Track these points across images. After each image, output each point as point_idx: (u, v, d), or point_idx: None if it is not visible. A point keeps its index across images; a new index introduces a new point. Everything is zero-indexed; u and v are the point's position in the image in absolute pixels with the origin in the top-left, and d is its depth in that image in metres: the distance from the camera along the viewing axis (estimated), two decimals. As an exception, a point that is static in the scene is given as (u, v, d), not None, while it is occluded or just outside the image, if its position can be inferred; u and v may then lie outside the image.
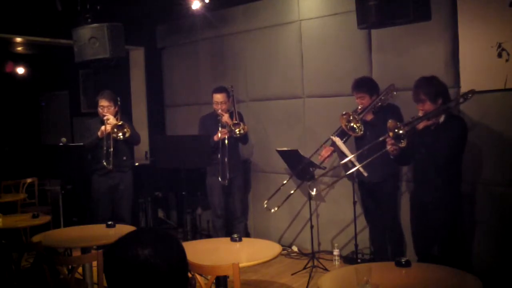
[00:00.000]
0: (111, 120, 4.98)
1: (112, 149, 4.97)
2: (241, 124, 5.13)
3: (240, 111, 5.45)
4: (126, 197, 5.20)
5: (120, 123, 4.97)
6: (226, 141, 5.19)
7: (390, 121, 3.58)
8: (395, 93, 4.37)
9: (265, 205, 5.09)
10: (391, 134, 3.54)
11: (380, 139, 3.82)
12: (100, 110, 5.07)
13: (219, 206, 5.39)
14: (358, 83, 4.45)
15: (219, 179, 5.22)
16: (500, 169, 4.09)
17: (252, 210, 6.09)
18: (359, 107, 4.42)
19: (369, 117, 4.39)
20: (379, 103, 4.36)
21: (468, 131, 3.68)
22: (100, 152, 5.03)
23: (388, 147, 3.68)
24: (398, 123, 3.54)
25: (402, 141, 3.49)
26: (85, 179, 5.35)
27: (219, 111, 5.22)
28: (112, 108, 5.08)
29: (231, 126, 5.12)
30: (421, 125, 3.65)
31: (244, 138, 5.28)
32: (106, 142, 4.99)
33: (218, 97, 5.26)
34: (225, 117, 5.18)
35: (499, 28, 3.95)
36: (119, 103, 5.15)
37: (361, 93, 4.41)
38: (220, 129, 5.19)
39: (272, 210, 5.02)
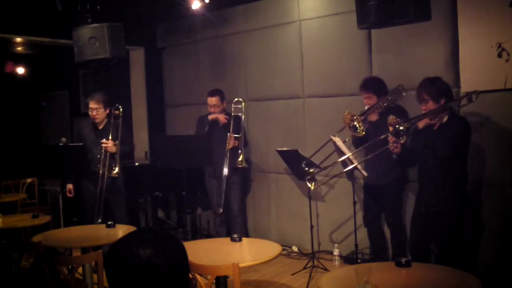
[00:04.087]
0: (110, 148, 4.85)
1: (101, 157, 4.88)
2: (243, 159, 5.11)
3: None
4: (118, 201, 5.07)
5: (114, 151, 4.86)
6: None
7: (391, 116, 3.58)
8: (404, 94, 4.25)
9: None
10: (391, 129, 3.55)
11: (382, 137, 3.81)
12: (89, 112, 4.96)
13: (216, 204, 5.44)
14: (365, 83, 4.39)
15: (214, 179, 5.39)
16: (500, 169, 4.09)
17: (252, 210, 6.08)
18: (366, 108, 4.35)
19: (374, 117, 4.32)
20: (385, 104, 4.27)
21: (471, 130, 3.67)
22: (92, 158, 4.94)
23: (390, 144, 3.68)
24: (398, 119, 3.54)
25: (401, 137, 3.51)
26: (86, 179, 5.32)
27: (212, 114, 5.34)
28: (102, 110, 4.94)
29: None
30: (421, 124, 3.66)
31: (244, 143, 5.37)
32: (99, 151, 4.91)
33: (211, 100, 5.35)
34: (231, 143, 5.19)
35: (499, 28, 3.95)
36: (120, 108, 4.95)
37: (368, 93, 4.35)
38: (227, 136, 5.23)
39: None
